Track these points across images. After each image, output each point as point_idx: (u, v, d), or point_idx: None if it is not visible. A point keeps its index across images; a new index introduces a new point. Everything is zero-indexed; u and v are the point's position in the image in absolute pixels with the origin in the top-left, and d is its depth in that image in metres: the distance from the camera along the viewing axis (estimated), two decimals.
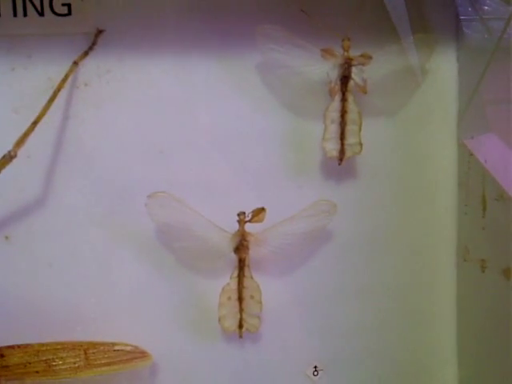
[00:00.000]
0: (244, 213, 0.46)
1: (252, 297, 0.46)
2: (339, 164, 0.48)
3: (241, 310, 0.46)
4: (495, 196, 0.46)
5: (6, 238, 0.47)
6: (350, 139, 0.47)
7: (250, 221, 0.46)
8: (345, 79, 0.47)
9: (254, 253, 0.47)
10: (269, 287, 0.47)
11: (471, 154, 0.48)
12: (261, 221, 0.45)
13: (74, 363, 0.44)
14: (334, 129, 0.47)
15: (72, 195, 0.47)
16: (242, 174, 0.48)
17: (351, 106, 0.47)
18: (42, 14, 0.46)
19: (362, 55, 0.47)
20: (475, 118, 0.48)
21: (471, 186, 0.49)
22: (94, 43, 0.46)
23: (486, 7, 0.47)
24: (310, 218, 0.47)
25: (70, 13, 0.46)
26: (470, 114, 0.49)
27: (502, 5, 0.46)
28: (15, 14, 0.45)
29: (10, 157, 0.42)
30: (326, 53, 0.47)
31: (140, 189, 0.46)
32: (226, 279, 0.47)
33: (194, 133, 0.48)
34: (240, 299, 0.46)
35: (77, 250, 0.47)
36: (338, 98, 0.47)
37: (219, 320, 0.47)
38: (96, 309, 0.47)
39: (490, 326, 0.46)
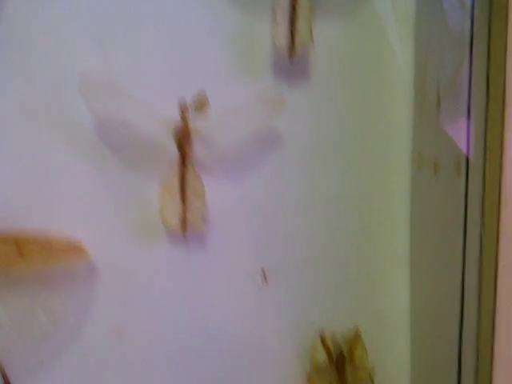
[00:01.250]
0: (186, 104, 0.44)
1: (196, 194, 0.45)
2: (290, 60, 0.46)
3: (184, 208, 0.45)
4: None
5: None
6: (301, 24, 0.45)
7: (193, 110, 0.44)
8: None
9: (200, 153, 0.45)
10: (216, 190, 0.46)
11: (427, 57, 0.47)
12: (204, 111, 0.43)
13: (6, 255, 0.42)
14: (283, 13, 0.45)
15: (7, 92, 0.45)
16: (187, 69, 0.46)
17: None
18: None
19: None
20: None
21: (427, 88, 0.47)
22: None
23: None
24: (256, 109, 0.45)
25: None
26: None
27: None
28: None
29: None
30: None
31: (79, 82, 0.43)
32: (170, 178, 0.45)
33: (139, 26, 0.46)
34: (183, 196, 0.44)
35: (13, 148, 0.45)
36: None
37: (161, 218, 0.45)
38: (34, 207, 0.45)
39: (441, 224, 0.45)
